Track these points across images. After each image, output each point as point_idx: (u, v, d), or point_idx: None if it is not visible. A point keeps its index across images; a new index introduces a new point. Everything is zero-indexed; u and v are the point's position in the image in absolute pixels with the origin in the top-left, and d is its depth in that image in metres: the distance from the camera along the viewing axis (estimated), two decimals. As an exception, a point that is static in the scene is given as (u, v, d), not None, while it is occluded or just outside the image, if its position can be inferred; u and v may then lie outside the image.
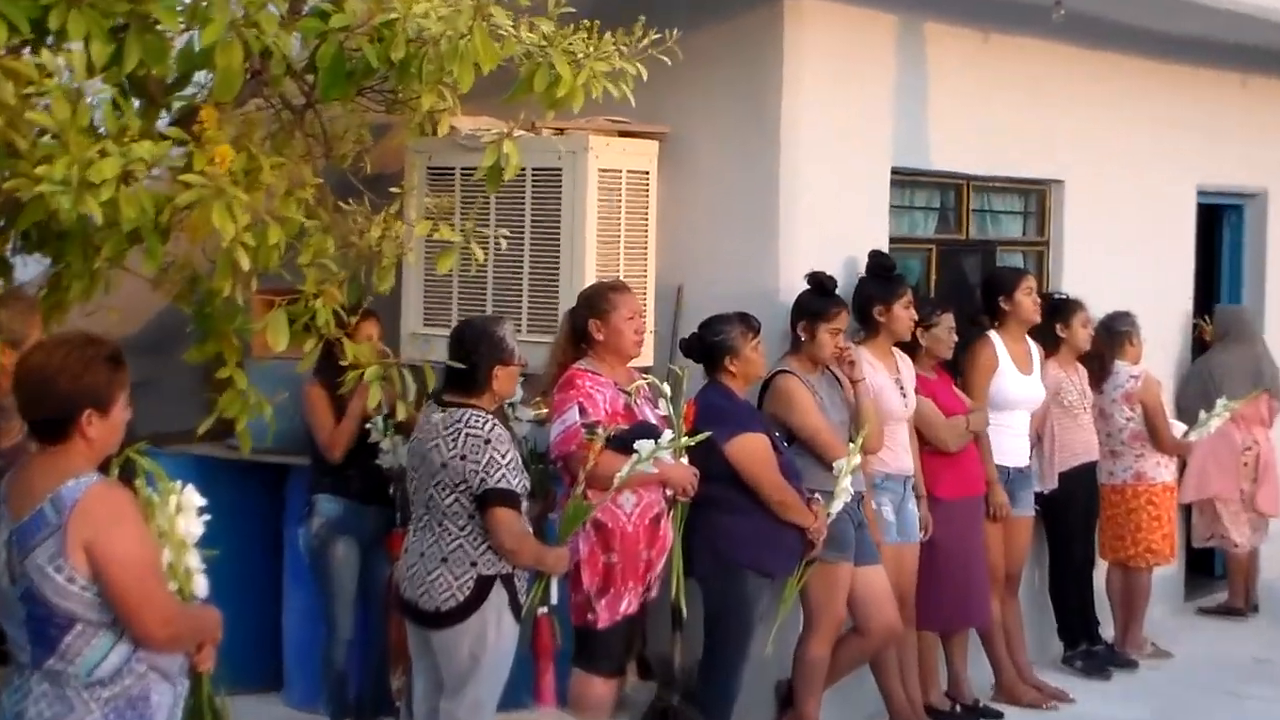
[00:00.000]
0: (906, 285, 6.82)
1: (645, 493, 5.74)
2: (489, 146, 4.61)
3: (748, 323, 6.15)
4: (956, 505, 7.00)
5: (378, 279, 4.62)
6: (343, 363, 4.48)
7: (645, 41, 4.65)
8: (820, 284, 6.46)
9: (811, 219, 6.78)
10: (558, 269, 6.48)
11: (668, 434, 5.65)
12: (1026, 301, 7.40)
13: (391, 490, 6.48)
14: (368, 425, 6.40)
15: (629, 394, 5.76)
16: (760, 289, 6.63)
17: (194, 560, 3.91)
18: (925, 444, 6.96)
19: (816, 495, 6.10)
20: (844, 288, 6.69)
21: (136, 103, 4.22)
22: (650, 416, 5.81)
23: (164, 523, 3.86)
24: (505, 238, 5.29)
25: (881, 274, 6.75)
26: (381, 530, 6.58)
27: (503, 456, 5.25)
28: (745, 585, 6.02)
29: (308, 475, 6.68)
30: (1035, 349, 7.50)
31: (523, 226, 6.50)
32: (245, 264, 4.04)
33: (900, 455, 6.74)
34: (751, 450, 5.99)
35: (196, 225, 3.91)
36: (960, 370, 7.30)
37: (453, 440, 5.27)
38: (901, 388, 6.76)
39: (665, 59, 4.69)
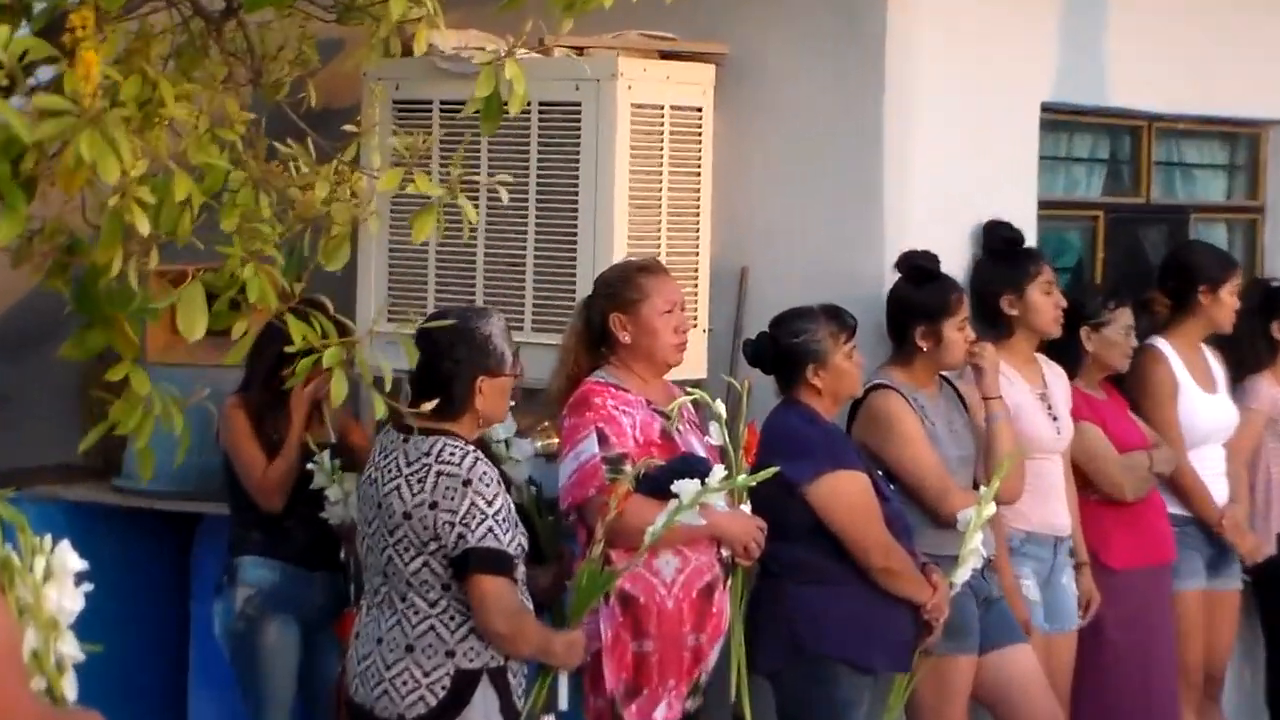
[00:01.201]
0: (1043, 262, 6.82)
1: (692, 554, 5.78)
2: (483, 71, 4.63)
3: (839, 320, 6.16)
4: (1134, 576, 7.03)
5: (325, 254, 4.65)
6: (288, 349, 4.46)
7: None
8: (919, 268, 6.45)
9: (928, 176, 6.81)
10: (574, 242, 6.52)
11: (720, 471, 5.66)
12: (1231, 303, 7.43)
13: (344, 553, 6.53)
14: (310, 464, 6.44)
15: (667, 416, 5.80)
16: (855, 273, 6.66)
17: (69, 645, 3.95)
18: (1090, 491, 6.99)
19: (926, 560, 6.12)
20: (966, 272, 6.74)
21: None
22: (697, 447, 5.85)
23: (27, 594, 3.90)
24: (508, 184, 5.27)
25: (1004, 250, 6.76)
26: (330, 607, 6.62)
27: (488, 503, 5.27)
28: (837, 685, 6.05)
29: (226, 529, 6.73)
30: (1213, 358, 7.53)
31: (526, 183, 6.54)
32: (144, 227, 4.06)
33: (1049, 506, 6.74)
34: (846, 495, 6.02)
35: (68, 171, 3.92)
36: (1126, 389, 7.31)
37: (419, 481, 5.30)
38: (1050, 408, 6.78)
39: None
